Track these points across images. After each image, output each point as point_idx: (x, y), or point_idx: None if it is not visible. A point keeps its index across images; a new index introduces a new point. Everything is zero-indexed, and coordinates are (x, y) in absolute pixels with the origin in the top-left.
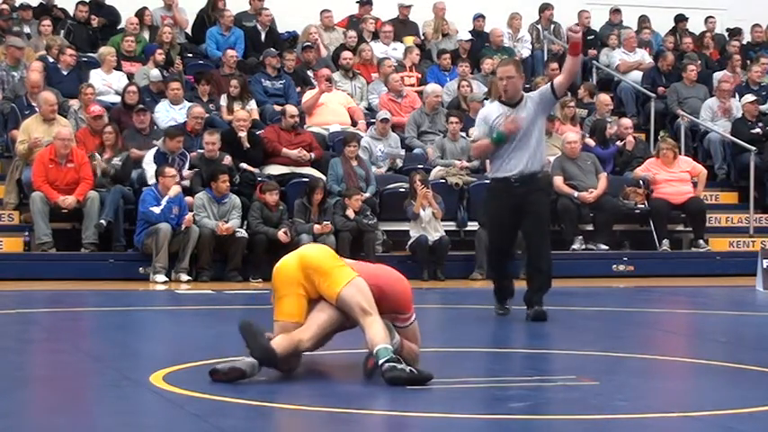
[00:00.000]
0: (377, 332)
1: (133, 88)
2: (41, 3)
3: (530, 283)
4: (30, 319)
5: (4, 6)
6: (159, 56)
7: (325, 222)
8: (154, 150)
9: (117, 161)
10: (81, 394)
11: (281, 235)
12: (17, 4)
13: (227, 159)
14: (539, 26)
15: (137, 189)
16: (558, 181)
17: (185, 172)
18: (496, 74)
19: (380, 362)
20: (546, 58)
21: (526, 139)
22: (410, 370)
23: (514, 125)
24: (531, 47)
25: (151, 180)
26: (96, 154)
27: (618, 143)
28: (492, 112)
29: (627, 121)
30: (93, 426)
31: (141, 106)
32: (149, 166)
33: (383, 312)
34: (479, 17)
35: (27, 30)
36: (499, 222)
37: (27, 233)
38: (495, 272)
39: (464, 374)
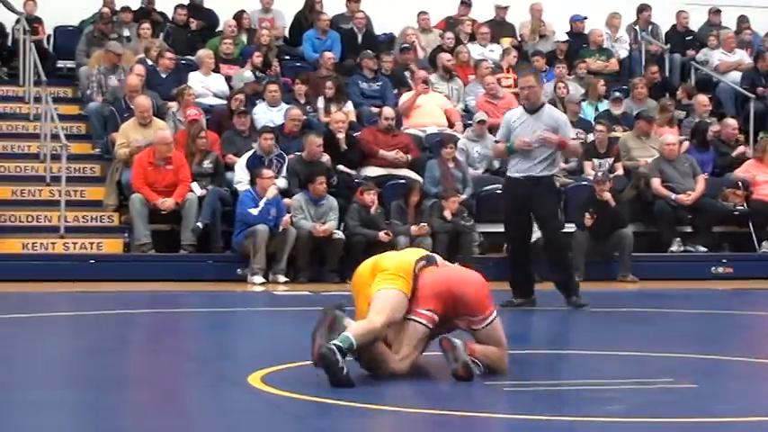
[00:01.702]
0: (357, 325)
1: (240, 96)
2: (141, 6)
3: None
4: (129, 320)
5: (105, 10)
6: (257, 58)
7: (421, 224)
8: (248, 154)
9: (208, 164)
10: (179, 395)
11: (383, 236)
12: (117, 8)
13: (328, 159)
14: (636, 27)
15: (234, 191)
16: (656, 183)
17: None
18: (518, 84)
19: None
20: (643, 59)
21: (537, 145)
22: (341, 367)
23: (525, 145)
24: (629, 48)
25: (238, 184)
26: None
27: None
28: (514, 115)
29: (732, 122)
30: (192, 426)
31: (243, 108)
32: (241, 170)
33: (456, 315)
34: (579, 19)
35: (126, 33)
36: (510, 218)
37: (126, 235)
38: (510, 262)
39: (561, 376)
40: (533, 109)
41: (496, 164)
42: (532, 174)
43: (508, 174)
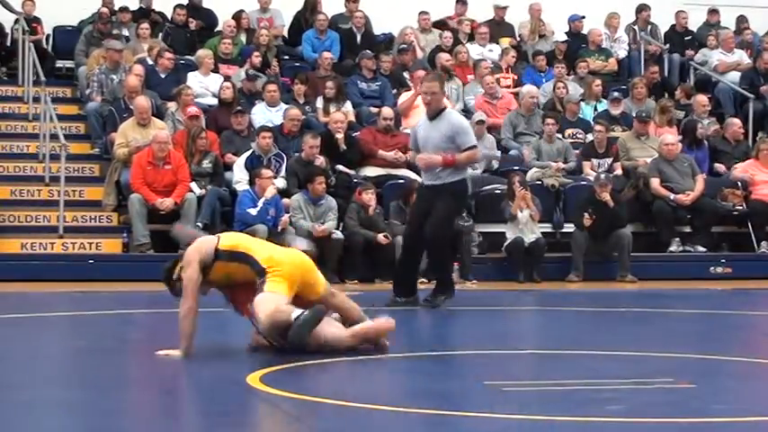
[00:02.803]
0: None
1: (228, 84)
2: (140, 6)
3: None
4: (128, 320)
5: (104, 10)
6: (256, 58)
7: None
8: (247, 154)
9: (207, 164)
10: (178, 395)
11: (382, 238)
12: (116, 8)
13: (323, 161)
14: (635, 27)
15: (233, 191)
16: (655, 183)
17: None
18: (422, 88)
19: None
20: (642, 59)
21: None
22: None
23: (423, 163)
24: (627, 48)
25: (237, 184)
26: None
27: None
28: (419, 125)
29: (736, 121)
30: (190, 426)
31: (239, 108)
32: (239, 170)
33: None
34: (578, 19)
35: (126, 33)
36: (411, 219)
37: (125, 235)
38: (399, 262)
39: (560, 376)
40: (433, 115)
41: (495, 164)
42: (436, 183)
43: (421, 180)
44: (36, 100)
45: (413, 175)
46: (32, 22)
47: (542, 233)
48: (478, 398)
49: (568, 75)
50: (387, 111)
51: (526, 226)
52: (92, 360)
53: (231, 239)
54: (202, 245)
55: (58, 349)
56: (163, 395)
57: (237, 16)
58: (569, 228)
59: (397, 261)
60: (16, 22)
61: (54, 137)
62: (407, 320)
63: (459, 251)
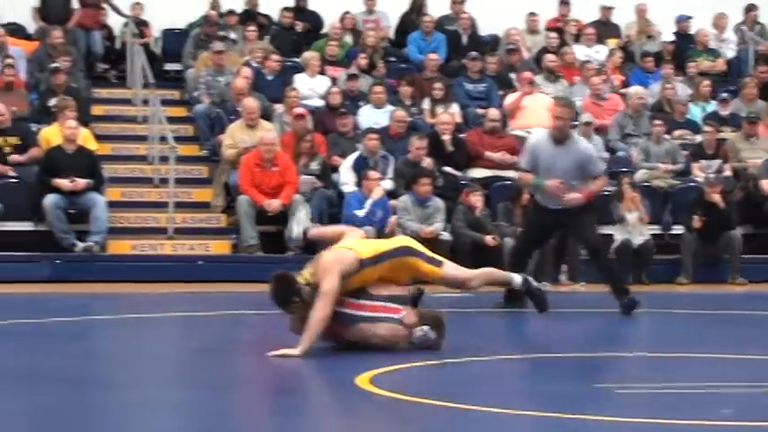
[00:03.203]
0: None
1: (336, 89)
2: (246, 9)
3: None
4: (238, 321)
5: (211, 13)
6: (362, 60)
7: None
8: (354, 156)
9: (314, 166)
10: (288, 396)
11: (489, 240)
12: (223, 11)
13: (428, 162)
14: (743, 27)
15: (340, 192)
16: (765, 184)
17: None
18: (553, 112)
19: None
20: (751, 59)
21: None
22: None
23: (556, 191)
24: (735, 48)
25: (344, 186)
26: None
27: None
28: (540, 144)
29: None
30: (300, 427)
31: (343, 110)
32: (346, 172)
33: None
34: (685, 19)
35: (233, 36)
36: (532, 232)
37: (234, 236)
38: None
39: (671, 379)
40: (560, 140)
41: (603, 166)
42: (565, 207)
43: (537, 200)
44: (145, 102)
45: None
46: (141, 25)
47: (651, 235)
48: (590, 400)
49: (676, 75)
50: (493, 112)
51: (635, 228)
52: (203, 360)
53: (364, 247)
54: (343, 256)
55: (169, 350)
56: (273, 396)
57: (343, 18)
58: (678, 229)
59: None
60: (125, 25)
61: (163, 139)
62: (517, 323)
63: (569, 253)
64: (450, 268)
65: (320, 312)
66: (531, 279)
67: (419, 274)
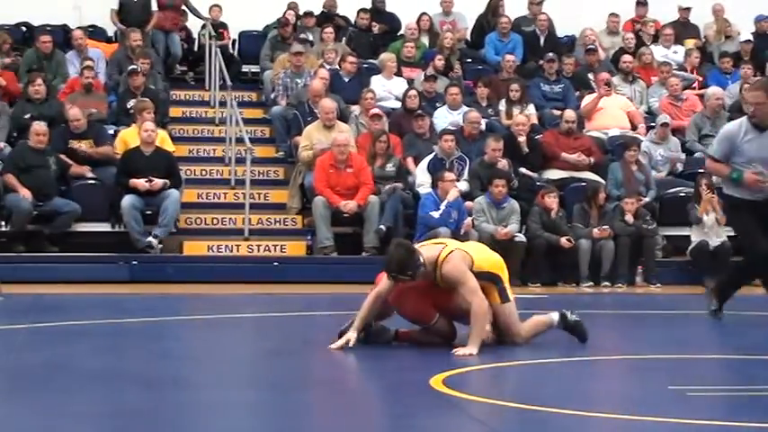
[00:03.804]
0: None
1: (413, 92)
2: (323, 11)
3: None
4: (313, 322)
5: (288, 15)
6: (438, 61)
7: (603, 227)
8: (429, 157)
9: (390, 167)
10: (361, 396)
11: (565, 242)
12: (301, 13)
13: (504, 164)
14: None
15: (416, 194)
16: None
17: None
18: (746, 97)
19: None
20: None
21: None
22: None
23: (758, 185)
24: None
25: (420, 187)
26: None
27: None
28: (739, 132)
29: None
30: (373, 428)
31: (420, 111)
32: (422, 173)
33: None
34: (764, 19)
35: (310, 37)
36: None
37: (310, 237)
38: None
39: (746, 382)
40: (762, 127)
41: (680, 167)
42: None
43: (738, 196)
44: (222, 104)
45: (596, 178)
46: (219, 28)
47: (728, 237)
48: (663, 402)
49: (754, 75)
50: (569, 113)
51: (711, 229)
52: (278, 361)
53: (483, 258)
54: (465, 257)
55: (244, 350)
56: (348, 397)
57: (420, 19)
58: None
59: (743, 272)
60: (203, 27)
61: (239, 140)
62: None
63: (644, 254)
64: (512, 310)
65: (483, 306)
66: (567, 313)
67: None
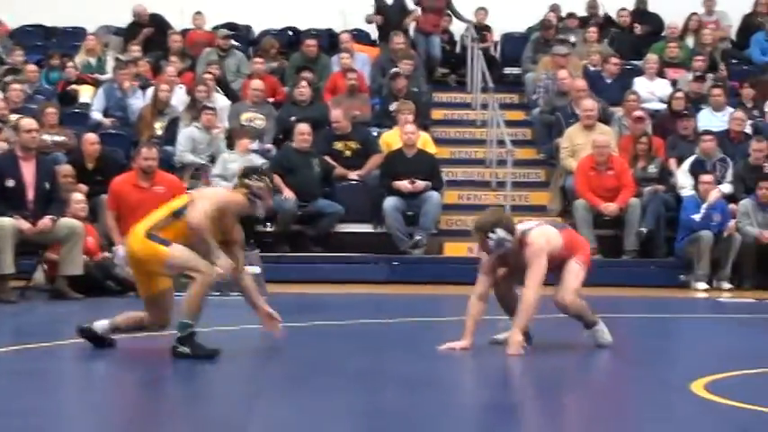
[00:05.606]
0: None
1: (680, 94)
2: (592, 13)
3: None
4: (570, 323)
5: (551, 16)
6: (702, 62)
7: None
8: (691, 159)
9: (652, 169)
10: (622, 399)
11: None
12: (563, 14)
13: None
14: None
15: (677, 196)
16: None
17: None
18: None
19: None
20: None
21: None
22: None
23: None
24: None
25: (682, 189)
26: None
27: None
28: None
29: None
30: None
31: (685, 112)
32: (684, 175)
33: None
34: None
35: (572, 39)
36: None
37: None
38: None
39: None
40: None
41: None
42: None
43: None
44: (484, 107)
45: None
46: (483, 30)
47: None
48: None
49: None
50: None
51: None
52: (533, 363)
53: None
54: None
55: (501, 353)
56: (606, 400)
57: (690, 19)
58: None
59: None
60: (466, 30)
61: (501, 143)
62: None
63: None
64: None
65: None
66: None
67: None
